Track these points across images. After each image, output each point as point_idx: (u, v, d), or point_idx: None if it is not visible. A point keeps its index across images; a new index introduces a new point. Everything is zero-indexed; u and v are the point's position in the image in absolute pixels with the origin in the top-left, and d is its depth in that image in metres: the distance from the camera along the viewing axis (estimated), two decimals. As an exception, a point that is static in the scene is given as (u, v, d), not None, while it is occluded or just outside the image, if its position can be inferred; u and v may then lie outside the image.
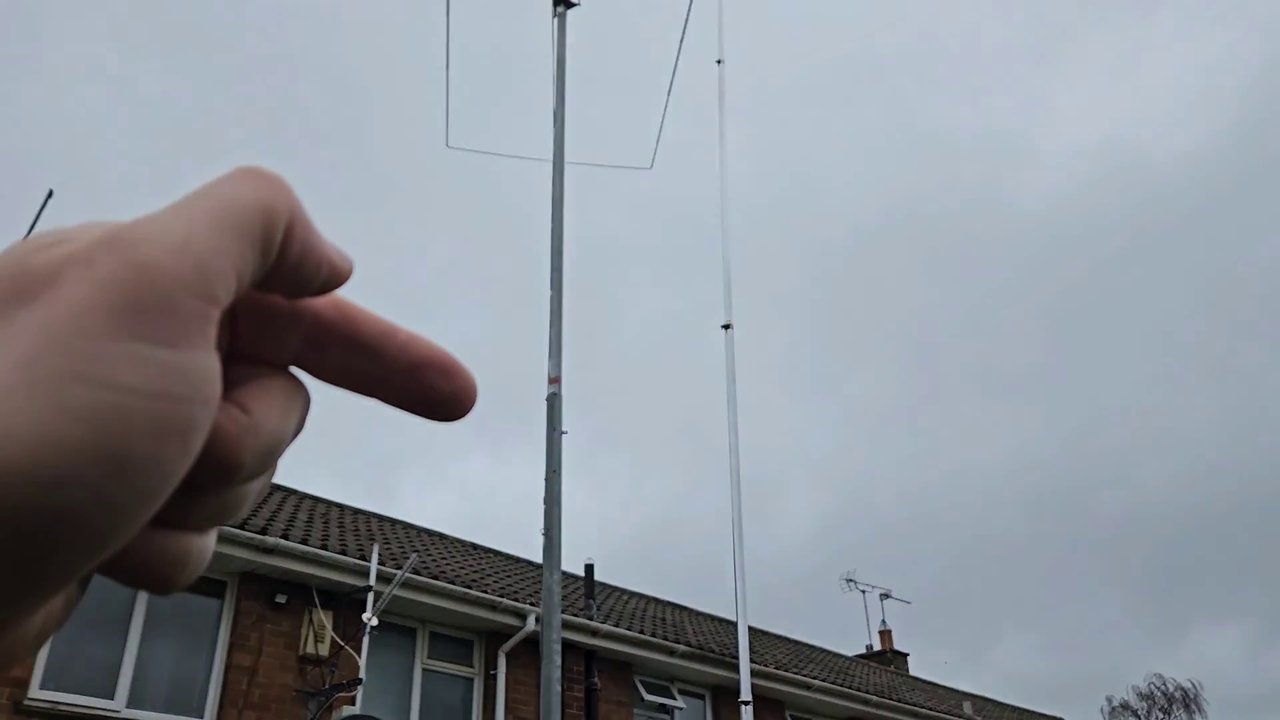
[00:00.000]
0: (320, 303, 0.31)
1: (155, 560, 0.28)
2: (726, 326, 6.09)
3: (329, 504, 13.68)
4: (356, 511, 13.93)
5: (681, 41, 7.58)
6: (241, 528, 9.40)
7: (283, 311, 0.31)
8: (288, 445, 0.31)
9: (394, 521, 14.42)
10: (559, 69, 7.20)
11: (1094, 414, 49.13)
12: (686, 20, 7.44)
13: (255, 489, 0.31)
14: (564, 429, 6.75)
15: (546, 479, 6.54)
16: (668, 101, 7.90)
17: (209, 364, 0.26)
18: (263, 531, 9.69)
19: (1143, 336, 50.76)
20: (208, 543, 0.30)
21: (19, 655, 0.28)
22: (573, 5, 7.43)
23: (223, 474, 0.28)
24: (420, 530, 14.63)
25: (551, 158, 7.09)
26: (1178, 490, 49.84)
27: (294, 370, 0.32)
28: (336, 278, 0.31)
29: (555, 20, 7.34)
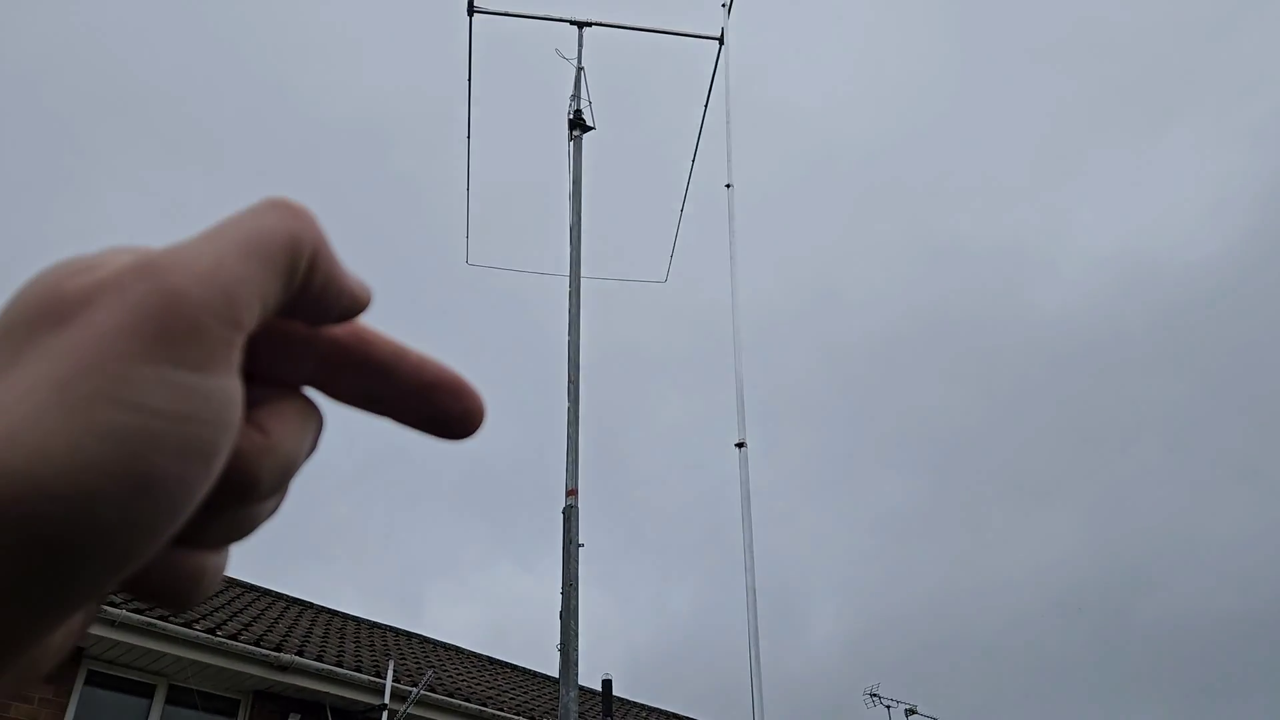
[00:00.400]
0: (336, 326, 0.32)
1: (173, 577, 0.29)
2: (740, 445, 6.10)
3: (346, 618, 13.47)
4: (374, 626, 13.70)
5: (692, 168, 7.85)
6: (256, 644, 9.29)
7: (300, 335, 0.31)
8: (302, 466, 0.31)
9: (413, 636, 14.17)
10: (575, 189, 7.45)
11: (1125, 521, 48.02)
12: (696, 149, 7.72)
13: (268, 509, 0.31)
14: (581, 542, 6.72)
15: (563, 593, 6.47)
16: (680, 221, 8.14)
17: (233, 389, 0.27)
18: (278, 648, 9.55)
19: (1170, 441, 49.92)
20: (221, 561, 0.31)
21: (41, 668, 0.28)
22: (589, 130, 7.74)
23: (240, 493, 0.28)
24: (439, 645, 14.36)
25: (568, 273, 7.28)
26: (1216, 598, 48.15)
27: (308, 391, 0.32)
28: (356, 307, 0.31)
29: (571, 144, 7.64)
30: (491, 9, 7.53)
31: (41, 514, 0.23)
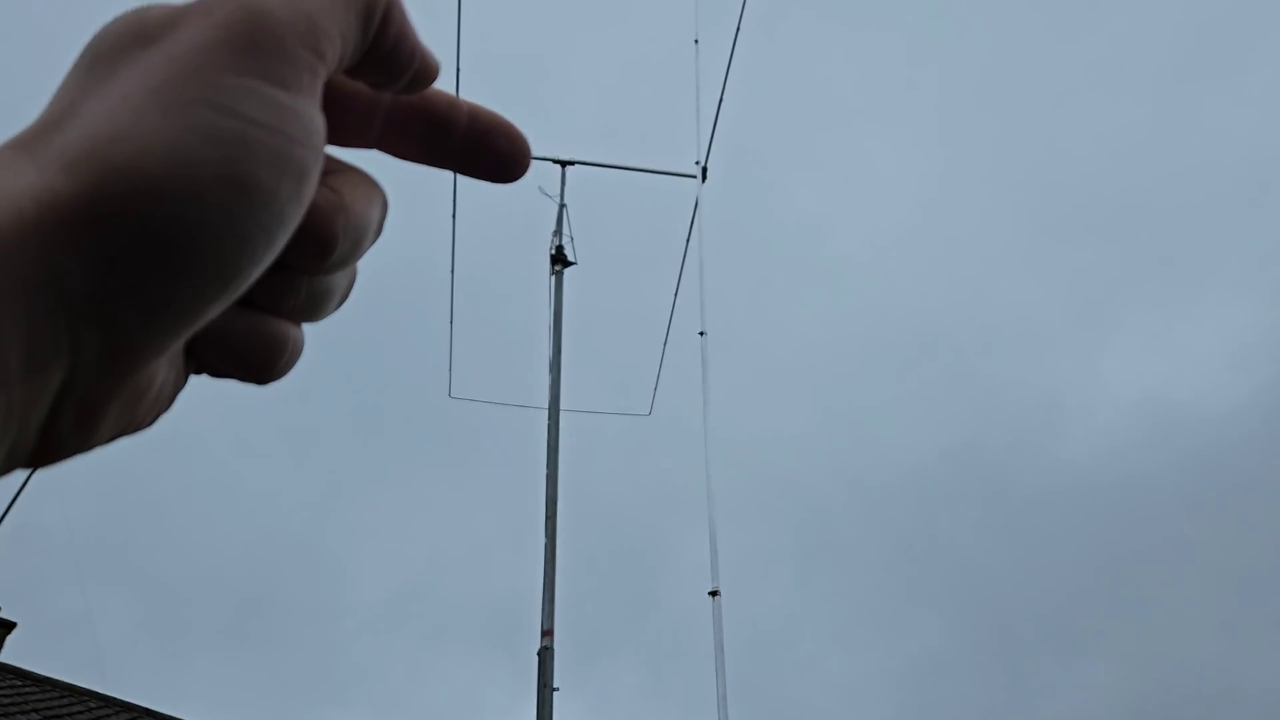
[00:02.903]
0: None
1: (256, 342, 0.30)
2: (714, 593, 5.95)
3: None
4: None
5: (672, 313, 7.94)
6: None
7: (366, 97, 0.33)
8: (370, 243, 0.32)
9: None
10: (556, 322, 7.51)
11: (1164, 670, 47.43)
12: (678, 286, 7.83)
13: (340, 287, 0.32)
14: (556, 686, 6.45)
15: (537, 741, 6.16)
16: (663, 357, 8.18)
17: (317, 115, 0.28)
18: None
19: (1205, 589, 49.68)
20: (300, 339, 0.32)
21: (141, 419, 0.29)
22: (570, 265, 7.85)
23: (319, 250, 0.29)
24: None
25: (548, 406, 7.24)
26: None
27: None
28: (428, 71, 0.32)
29: (553, 278, 7.73)
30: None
31: (151, 209, 0.23)
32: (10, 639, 12.36)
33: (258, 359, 0.31)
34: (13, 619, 12.47)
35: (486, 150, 0.34)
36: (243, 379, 0.31)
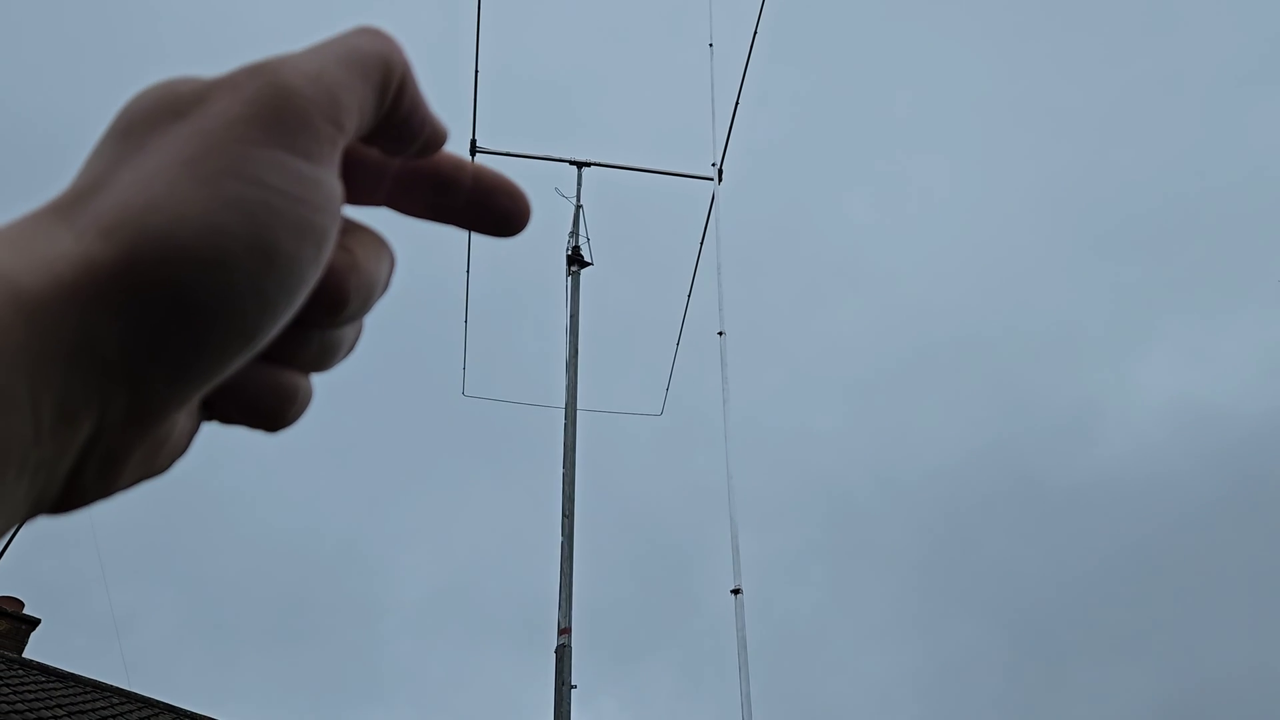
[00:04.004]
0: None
1: (268, 392, 0.32)
2: (736, 591, 5.95)
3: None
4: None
5: (687, 306, 7.95)
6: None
7: (376, 160, 0.35)
8: (378, 297, 0.34)
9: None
10: (572, 323, 7.53)
11: (1197, 669, 46.98)
12: (691, 287, 7.85)
13: (349, 338, 0.34)
14: (574, 683, 6.47)
15: (554, 739, 6.20)
16: (675, 355, 8.20)
17: (337, 184, 0.29)
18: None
19: (1239, 589, 49.00)
20: (309, 388, 0.34)
21: (159, 465, 0.30)
22: (587, 265, 7.88)
23: (331, 308, 0.31)
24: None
25: (564, 405, 7.27)
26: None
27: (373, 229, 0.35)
28: (438, 138, 0.35)
29: (569, 279, 7.76)
30: (493, 149, 7.78)
31: (184, 276, 0.25)
32: (34, 635, 12.50)
33: (269, 408, 0.32)
34: (37, 615, 12.62)
35: (489, 209, 0.36)
36: (253, 427, 0.33)
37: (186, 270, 0.25)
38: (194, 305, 0.25)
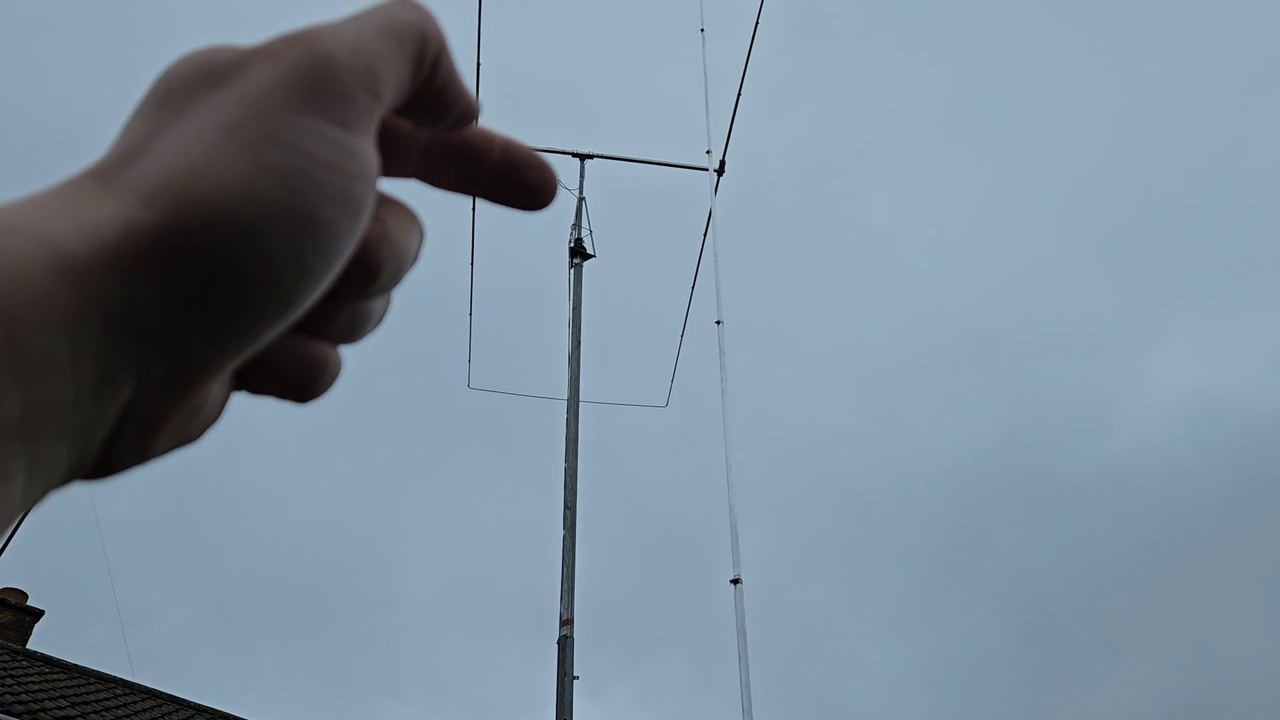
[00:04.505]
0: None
1: (300, 363, 0.32)
2: (735, 581, 5.96)
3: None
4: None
5: (691, 297, 7.95)
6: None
7: (408, 133, 0.35)
8: (408, 270, 0.34)
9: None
10: (575, 315, 7.53)
11: (1209, 664, 46.99)
12: (695, 278, 7.84)
13: (378, 311, 0.35)
14: (576, 674, 6.49)
15: (556, 730, 6.21)
16: (680, 348, 8.20)
17: (373, 154, 0.29)
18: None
19: (1251, 583, 49.07)
20: (339, 359, 0.34)
21: (191, 434, 0.30)
22: (589, 258, 7.88)
23: (363, 279, 0.31)
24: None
25: (566, 398, 7.28)
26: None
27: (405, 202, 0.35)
28: (471, 112, 0.35)
29: (571, 271, 7.76)
30: (496, 142, 7.75)
31: (225, 241, 0.25)
32: (38, 627, 12.54)
33: (300, 379, 0.32)
34: (50, 609, 12.65)
35: (517, 182, 0.36)
36: (283, 398, 0.33)
37: (228, 236, 0.25)
38: (234, 271, 0.25)
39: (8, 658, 10.52)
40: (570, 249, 7.89)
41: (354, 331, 0.34)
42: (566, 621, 6.67)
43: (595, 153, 8.18)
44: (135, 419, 0.27)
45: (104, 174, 0.26)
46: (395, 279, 0.33)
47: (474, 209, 7.82)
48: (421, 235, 0.34)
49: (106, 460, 0.27)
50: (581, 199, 8.04)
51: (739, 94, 7.40)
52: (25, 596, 12.71)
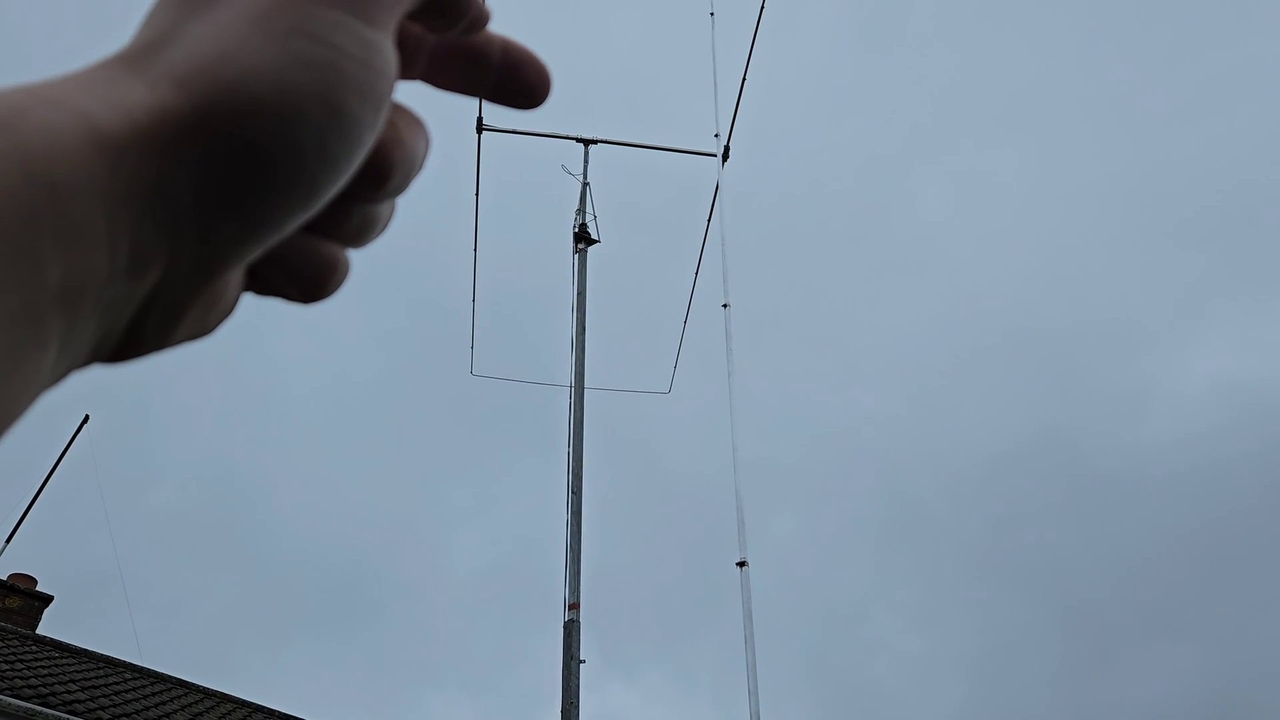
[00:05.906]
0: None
1: (311, 261, 0.33)
2: (741, 564, 5.98)
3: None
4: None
5: (695, 283, 7.95)
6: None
7: (417, 35, 0.36)
8: (415, 176, 0.34)
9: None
10: (579, 301, 7.54)
11: (1248, 651, 47.00)
12: (699, 265, 7.84)
13: (385, 215, 0.35)
14: (582, 658, 6.52)
15: (563, 711, 6.25)
16: (683, 334, 8.20)
17: (393, 52, 0.30)
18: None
19: None
20: (348, 261, 0.35)
21: (209, 325, 0.31)
22: (594, 243, 7.87)
23: (375, 180, 0.32)
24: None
25: (571, 383, 7.29)
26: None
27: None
28: (483, 18, 0.36)
29: (576, 257, 7.76)
30: (499, 127, 7.76)
31: (255, 127, 0.25)
32: (48, 612, 12.62)
33: (312, 277, 0.33)
34: (50, 592, 12.73)
35: (516, 80, 0.37)
36: (293, 297, 0.34)
37: (259, 121, 0.26)
38: (264, 157, 0.26)
39: (17, 643, 10.59)
40: (574, 234, 7.89)
41: (362, 234, 0.34)
42: (573, 606, 6.69)
43: (599, 138, 8.17)
44: (161, 303, 0.28)
45: (133, 59, 0.27)
46: (405, 182, 0.33)
47: (477, 196, 7.82)
48: (428, 141, 0.35)
49: (128, 344, 0.28)
50: (586, 184, 8.04)
51: (743, 81, 7.39)
52: (34, 582, 12.78)
